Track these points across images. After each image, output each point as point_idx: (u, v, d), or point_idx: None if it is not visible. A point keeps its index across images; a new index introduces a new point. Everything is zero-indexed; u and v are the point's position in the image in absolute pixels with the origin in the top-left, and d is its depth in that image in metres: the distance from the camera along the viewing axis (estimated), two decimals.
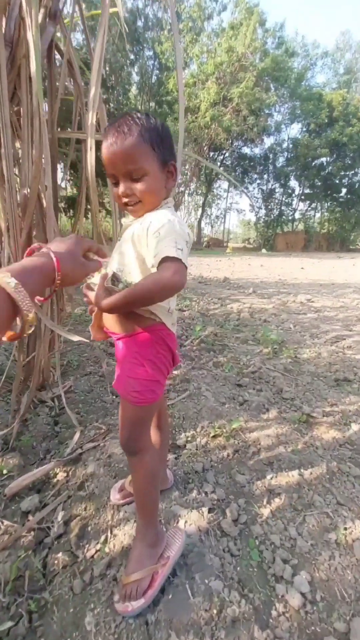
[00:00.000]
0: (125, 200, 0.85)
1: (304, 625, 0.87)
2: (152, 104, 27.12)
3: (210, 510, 1.20)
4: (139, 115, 0.81)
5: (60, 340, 1.78)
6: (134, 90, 26.77)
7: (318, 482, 1.34)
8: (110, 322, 0.90)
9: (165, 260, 0.74)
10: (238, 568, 1.01)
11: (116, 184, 0.84)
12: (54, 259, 0.61)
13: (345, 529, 1.13)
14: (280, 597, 0.94)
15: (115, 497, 1.22)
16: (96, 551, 1.05)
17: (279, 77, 25.91)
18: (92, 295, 0.82)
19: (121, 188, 0.82)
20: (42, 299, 0.69)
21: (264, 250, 28.92)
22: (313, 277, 8.98)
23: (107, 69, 23.99)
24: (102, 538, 1.10)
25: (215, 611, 0.87)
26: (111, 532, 1.12)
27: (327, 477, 1.38)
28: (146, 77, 25.71)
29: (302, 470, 1.41)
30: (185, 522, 1.14)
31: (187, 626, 0.84)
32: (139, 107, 25.34)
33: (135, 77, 26.96)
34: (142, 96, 25.96)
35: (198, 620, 0.85)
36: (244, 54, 23.14)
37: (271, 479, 1.37)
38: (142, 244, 0.82)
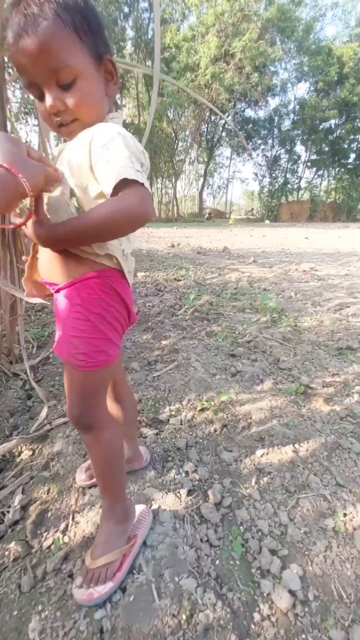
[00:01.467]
0: (56, 119, 0.63)
1: (293, 633, 0.72)
2: (149, 62, 25.27)
3: (189, 493, 1.04)
4: None
5: (22, 305, 1.58)
6: (129, 47, 24.89)
7: (315, 460, 1.18)
8: (46, 267, 0.70)
9: (125, 185, 0.55)
10: (217, 561, 0.86)
11: (40, 97, 0.61)
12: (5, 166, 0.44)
13: (345, 514, 0.98)
14: (265, 595, 0.79)
15: (80, 477, 1.07)
16: (53, 541, 0.91)
17: (285, 28, 23.73)
18: (31, 226, 0.60)
19: (48, 101, 0.60)
20: (21, 221, 0.56)
21: (267, 221, 27.99)
22: (317, 246, 8.59)
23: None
24: (62, 525, 0.95)
25: (184, 617, 0.73)
26: (73, 519, 0.97)
27: (325, 454, 1.21)
28: (141, 32, 23.76)
29: (296, 446, 1.25)
30: (159, 507, 0.98)
31: (149, 636, 0.69)
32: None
33: (130, 33, 24.96)
34: (138, 54, 24.12)
35: (162, 628, 0.70)
36: (247, 2, 21.13)
37: (261, 456, 1.20)
38: (83, 168, 0.61)
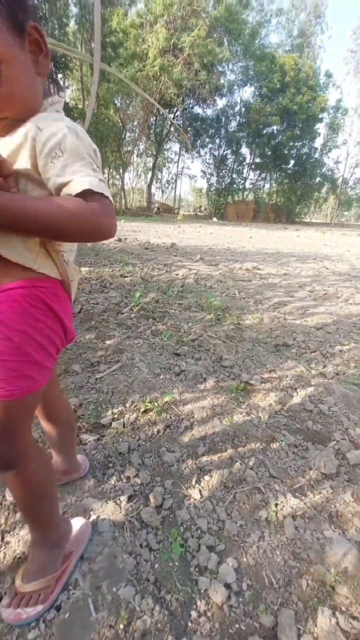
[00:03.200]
0: None
1: (227, 624, 0.76)
2: (94, 44, 24.07)
3: (130, 499, 1.03)
4: None
5: None
6: (72, 25, 23.38)
7: (251, 455, 1.25)
8: None
9: (88, 195, 0.51)
10: (156, 565, 0.86)
11: None
12: None
13: (277, 504, 1.05)
14: (202, 592, 0.82)
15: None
16: None
17: (232, 29, 24.44)
18: None
19: None
20: None
21: (214, 219, 28.77)
22: (260, 246, 9.06)
23: None
24: None
25: (121, 626, 0.72)
26: (2, 539, 0.90)
27: (260, 448, 1.29)
28: (86, 11, 22.45)
29: (235, 442, 1.31)
30: (98, 517, 0.96)
31: None
32: (78, 45, 22.34)
33: (74, 10, 23.45)
34: (81, 33, 22.78)
35: None
36: None
37: (202, 455, 1.24)
38: (23, 169, 0.54)
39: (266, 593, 0.82)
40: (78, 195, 0.51)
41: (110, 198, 0.55)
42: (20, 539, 0.89)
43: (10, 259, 0.56)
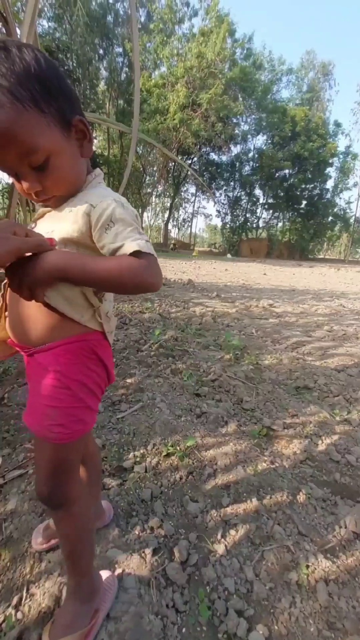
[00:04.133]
0: (36, 198, 0.63)
1: None
2: (121, 101, 26.64)
3: (155, 552, 1.01)
4: None
5: None
6: (102, 85, 26.11)
7: (278, 509, 1.21)
8: (19, 327, 0.66)
9: (138, 255, 0.59)
10: (183, 629, 0.82)
11: (16, 177, 0.59)
12: None
13: (307, 566, 1.00)
14: None
15: (37, 541, 0.98)
16: (4, 619, 0.82)
17: (246, 87, 26.73)
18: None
19: (24, 185, 0.59)
20: None
21: (229, 255, 29.47)
22: (275, 282, 9.18)
23: (74, 60, 23.22)
24: (15, 599, 0.86)
25: None
26: (27, 591, 0.88)
27: (287, 501, 1.24)
28: (115, 74, 25.18)
29: (261, 494, 1.27)
30: (123, 570, 0.94)
31: None
32: (107, 103, 24.76)
33: (104, 73, 26.33)
34: (110, 92, 25.36)
35: None
36: (214, 61, 23.53)
37: (227, 506, 1.21)
38: (77, 240, 0.61)
39: None
40: (130, 255, 0.58)
41: (155, 255, 0.61)
42: (45, 592, 0.87)
43: (65, 313, 0.63)
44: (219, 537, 1.08)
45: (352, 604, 0.91)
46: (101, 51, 25.50)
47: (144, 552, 1.00)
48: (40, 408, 0.64)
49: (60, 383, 0.63)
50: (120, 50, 26.55)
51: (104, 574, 0.87)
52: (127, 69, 26.67)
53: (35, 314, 0.63)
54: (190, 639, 0.81)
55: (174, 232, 47.24)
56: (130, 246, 0.58)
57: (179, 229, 47.34)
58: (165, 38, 26.97)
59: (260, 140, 34.14)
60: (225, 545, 1.05)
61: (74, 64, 23.20)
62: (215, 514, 1.17)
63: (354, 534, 1.12)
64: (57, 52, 19.19)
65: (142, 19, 28.73)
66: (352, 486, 1.35)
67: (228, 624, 0.84)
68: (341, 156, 34.64)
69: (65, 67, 20.75)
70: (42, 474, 0.68)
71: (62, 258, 0.57)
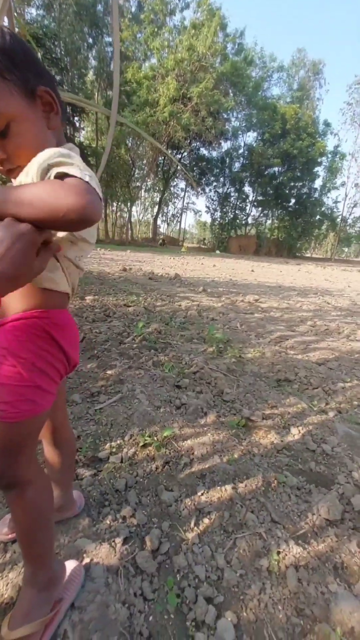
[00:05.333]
0: (1, 167, 0.61)
1: None
2: (110, 92, 26.15)
3: (125, 541, 0.99)
4: None
5: None
6: (90, 75, 25.55)
7: (252, 497, 1.20)
8: None
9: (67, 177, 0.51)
10: (150, 617, 0.81)
11: None
12: None
13: (279, 552, 1.00)
14: None
15: (2, 531, 0.95)
16: None
17: (237, 83, 26.63)
18: None
19: None
20: None
21: (217, 252, 29.54)
22: (262, 279, 9.24)
23: (62, 49, 22.64)
24: None
25: None
26: None
27: (262, 489, 1.24)
28: (104, 64, 24.64)
29: (236, 482, 1.27)
30: (91, 560, 0.91)
31: None
32: (96, 93, 24.26)
33: (93, 62, 25.76)
34: (99, 82, 24.83)
35: None
36: (205, 55, 23.33)
37: (202, 494, 1.20)
38: None
39: None
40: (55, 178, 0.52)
41: (91, 184, 0.52)
42: (9, 582, 0.84)
43: (43, 285, 0.62)
44: (192, 525, 1.07)
45: (321, 590, 0.92)
46: (90, 40, 24.90)
47: (114, 541, 0.98)
48: None
49: (6, 360, 0.61)
50: (109, 40, 25.99)
51: (71, 563, 0.85)
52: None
53: None
54: (158, 627, 0.80)
55: (163, 228, 46.99)
56: (58, 171, 0.52)
57: (168, 224, 47.09)
58: (156, 29, 26.57)
59: (250, 137, 34.29)
60: (198, 533, 1.05)
61: (62, 52, 22.60)
62: (189, 503, 1.16)
63: (326, 521, 1.13)
64: (44, 39, 18.58)
65: (133, 9, 28.23)
66: (327, 474, 1.37)
67: (196, 611, 0.83)
68: (329, 155, 35.02)
69: (53, 55, 20.17)
70: None
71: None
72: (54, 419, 0.87)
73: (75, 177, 0.51)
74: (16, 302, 0.63)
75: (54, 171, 0.52)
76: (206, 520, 1.10)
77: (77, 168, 0.52)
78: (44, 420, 0.70)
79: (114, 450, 1.40)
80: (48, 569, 0.75)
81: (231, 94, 27.24)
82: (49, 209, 0.47)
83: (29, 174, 0.56)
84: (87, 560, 0.91)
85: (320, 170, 34.70)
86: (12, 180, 0.64)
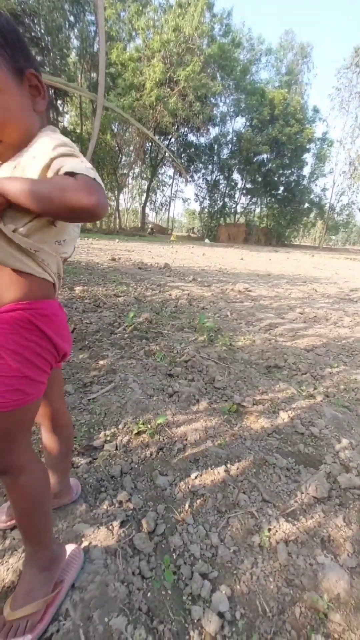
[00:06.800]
0: None
1: None
2: (94, 74, 25.25)
3: (122, 524, 1.02)
4: None
5: None
6: (73, 56, 24.53)
7: (244, 478, 1.25)
8: None
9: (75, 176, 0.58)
10: (148, 594, 0.85)
11: None
12: None
13: (269, 529, 1.05)
14: (195, 622, 0.80)
15: (1, 519, 0.97)
16: None
17: (225, 66, 26.00)
18: None
19: None
20: None
21: (207, 240, 29.39)
22: (251, 267, 9.28)
23: (42, 27, 21.61)
24: None
25: None
26: None
27: (253, 471, 1.29)
28: (87, 44, 23.65)
29: (228, 465, 1.31)
30: (90, 543, 0.94)
31: None
32: (79, 75, 23.37)
33: (75, 42, 24.70)
34: (82, 64, 23.89)
35: None
36: (191, 36, 22.65)
37: (195, 478, 1.24)
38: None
39: (260, 622, 0.81)
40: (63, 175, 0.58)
41: (96, 179, 0.59)
42: (9, 567, 0.86)
43: (14, 267, 0.63)
44: (186, 507, 1.11)
45: (309, 562, 0.97)
46: (72, 18, 23.80)
47: (111, 524, 1.01)
48: None
49: None
50: (92, 18, 24.91)
51: (70, 547, 0.88)
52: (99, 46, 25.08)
53: None
54: (155, 602, 0.84)
55: (151, 216, 46.39)
56: (64, 168, 0.58)
57: (156, 212, 46.47)
58: (140, 7, 25.56)
59: (239, 123, 33.79)
60: (193, 514, 1.09)
61: (42, 31, 21.57)
62: (183, 486, 1.20)
63: (314, 499, 1.19)
64: (23, 17, 17.68)
65: None
66: (315, 455, 1.42)
67: (192, 587, 0.88)
68: (318, 142, 34.83)
69: (32, 34, 19.24)
70: None
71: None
72: (51, 405, 0.89)
73: (85, 175, 0.56)
74: (0, 295, 0.64)
75: (64, 164, 0.57)
76: (200, 502, 1.14)
77: (83, 164, 0.58)
78: (35, 409, 0.71)
79: (108, 438, 1.43)
80: (48, 549, 0.78)
81: (219, 78, 26.61)
82: (65, 207, 0.55)
83: (36, 158, 0.59)
84: (85, 543, 0.94)
85: (308, 157, 34.57)
86: None
